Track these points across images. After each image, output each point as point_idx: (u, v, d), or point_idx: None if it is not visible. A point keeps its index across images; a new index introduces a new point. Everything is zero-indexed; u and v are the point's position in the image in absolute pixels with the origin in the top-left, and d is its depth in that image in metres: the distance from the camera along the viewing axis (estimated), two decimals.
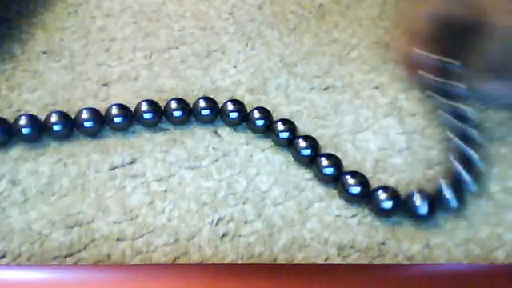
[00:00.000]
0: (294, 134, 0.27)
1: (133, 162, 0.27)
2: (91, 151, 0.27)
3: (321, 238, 0.25)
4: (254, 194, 0.26)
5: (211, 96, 0.29)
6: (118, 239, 0.24)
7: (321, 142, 0.28)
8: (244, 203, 0.26)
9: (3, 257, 0.24)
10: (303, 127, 0.29)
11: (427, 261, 0.24)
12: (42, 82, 0.30)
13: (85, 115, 0.27)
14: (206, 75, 0.31)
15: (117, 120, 0.27)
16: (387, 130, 0.29)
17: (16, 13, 0.34)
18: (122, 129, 0.28)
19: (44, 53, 0.31)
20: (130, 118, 0.27)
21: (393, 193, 0.25)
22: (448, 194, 0.25)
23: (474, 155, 0.26)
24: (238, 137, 0.28)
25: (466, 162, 0.25)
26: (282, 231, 0.25)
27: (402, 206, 0.25)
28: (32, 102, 0.29)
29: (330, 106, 0.30)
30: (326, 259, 0.24)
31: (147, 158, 0.27)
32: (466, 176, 0.25)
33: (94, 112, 0.27)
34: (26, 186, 0.26)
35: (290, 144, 0.27)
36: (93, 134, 0.27)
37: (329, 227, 0.25)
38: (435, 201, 0.25)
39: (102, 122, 0.27)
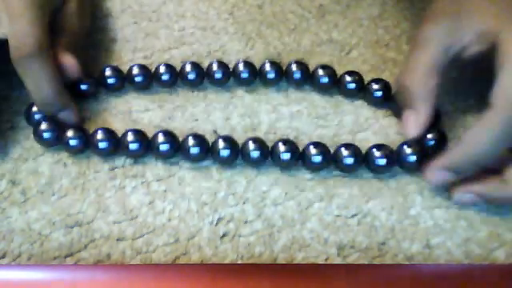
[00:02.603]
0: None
1: (133, 162, 0.27)
2: (91, 151, 0.27)
3: (321, 238, 0.25)
4: (253, 194, 0.26)
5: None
6: (117, 239, 0.24)
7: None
8: (244, 203, 0.26)
9: (3, 257, 0.24)
10: (303, 127, 0.29)
11: (427, 261, 0.24)
12: None
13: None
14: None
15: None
16: (387, 130, 0.29)
17: None
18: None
19: None
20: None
21: (355, 150, 0.26)
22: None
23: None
24: (238, 136, 0.28)
25: None
26: (282, 231, 0.25)
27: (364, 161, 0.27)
28: None
29: (330, 105, 0.30)
30: (326, 259, 0.24)
31: (147, 158, 0.27)
32: None
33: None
34: (25, 186, 0.26)
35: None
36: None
37: (329, 227, 0.25)
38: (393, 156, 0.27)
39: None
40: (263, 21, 0.34)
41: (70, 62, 0.27)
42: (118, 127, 0.28)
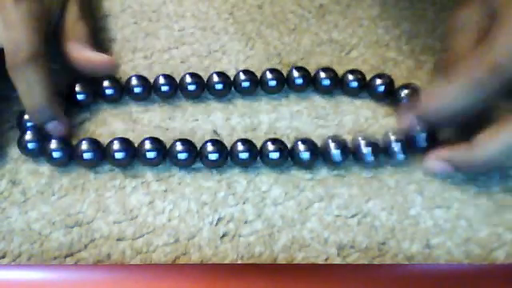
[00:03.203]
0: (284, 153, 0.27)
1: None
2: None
3: (321, 238, 0.25)
4: (253, 194, 0.26)
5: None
6: (118, 239, 0.24)
7: (321, 142, 0.28)
8: (244, 203, 0.26)
9: (3, 257, 0.24)
10: (303, 127, 0.29)
11: (427, 261, 0.24)
12: None
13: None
14: (206, 76, 0.31)
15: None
16: (387, 130, 0.29)
17: None
18: None
19: None
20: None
21: (343, 142, 0.27)
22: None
23: None
24: (238, 136, 0.28)
25: None
26: (281, 231, 0.25)
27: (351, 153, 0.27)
28: None
29: (330, 105, 0.30)
30: (326, 259, 0.24)
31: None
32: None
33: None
34: (26, 186, 0.26)
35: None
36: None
37: (329, 227, 0.25)
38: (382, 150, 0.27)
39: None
40: (263, 21, 0.34)
41: (102, 58, 0.28)
42: (118, 127, 0.28)
